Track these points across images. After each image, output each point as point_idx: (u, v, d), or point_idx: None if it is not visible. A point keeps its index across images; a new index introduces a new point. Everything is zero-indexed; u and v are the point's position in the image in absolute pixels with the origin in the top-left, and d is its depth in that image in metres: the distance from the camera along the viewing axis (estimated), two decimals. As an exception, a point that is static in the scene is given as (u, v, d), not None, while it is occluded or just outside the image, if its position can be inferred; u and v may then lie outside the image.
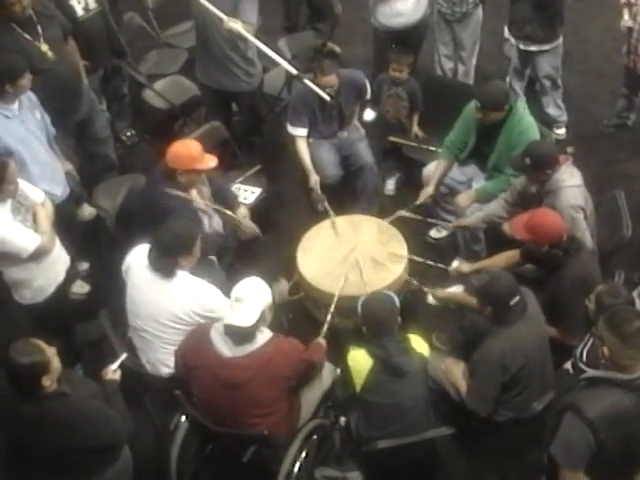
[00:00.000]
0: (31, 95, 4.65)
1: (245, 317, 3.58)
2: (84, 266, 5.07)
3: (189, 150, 4.51)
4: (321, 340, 4.17)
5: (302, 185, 5.56)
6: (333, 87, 5.22)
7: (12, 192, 4.11)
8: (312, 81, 5.23)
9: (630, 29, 5.70)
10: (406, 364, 3.77)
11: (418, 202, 5.14)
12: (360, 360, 3.81)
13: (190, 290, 3.98)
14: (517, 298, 3.83)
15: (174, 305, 3.96)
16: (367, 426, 3.89)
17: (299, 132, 5.42)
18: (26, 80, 4.50)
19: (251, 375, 3.62)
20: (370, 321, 3.85)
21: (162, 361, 4.09)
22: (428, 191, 5.15)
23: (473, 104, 4.86)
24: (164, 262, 3.96)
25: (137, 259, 4.09)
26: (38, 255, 4.20)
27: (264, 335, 3.68)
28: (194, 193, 4.64)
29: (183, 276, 4.00)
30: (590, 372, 3.34)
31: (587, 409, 3.09)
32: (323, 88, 5.19)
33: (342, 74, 5.27)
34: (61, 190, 4.79)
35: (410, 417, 3.81)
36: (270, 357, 3.64)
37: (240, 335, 3.61)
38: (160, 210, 4.36)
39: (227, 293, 3.92)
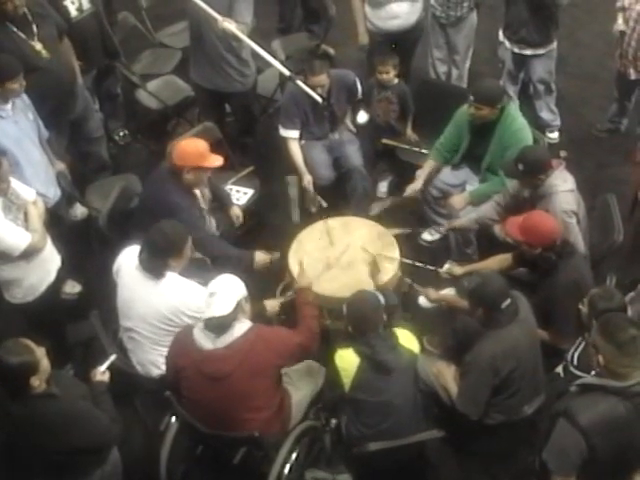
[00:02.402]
0: (24, 96, 4.63)
1: (221, 307, 3.58)
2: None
3: (197, 147, 4.52)
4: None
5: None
6: (324, 87, 5.21)
7: (4, 190, 4.10)
8: (303, 82, 5.22)
9: (623, 33, 5.72)
10: (392, 361, 3.75)
11: (405, 194, 5.18)
12: (348, 359, 3.80)
13: (178, 291, 3.97)
14: (508, 301, 3.83)
15: (163, 306, 3.95)
16: (357, 425, 3.88)
17: (291, 134, 5.41)
18: (18, 85, 4.47)
19: (235, 365, 3.60)
20: (355, 319, 3.84)
21: (153, 362, 4.08)
22: (415, 186, 5.16)
23: (464, 107, 4.87)
24: (154, 263, 3.95)
25: (128, 260, 4.07)
26: (29, 253, 4.18)
27: (243, 325, 3.67)
28: (198, 193, 4.64)
29: (172, 277, 3.99)
30: (584, 379, 3.33)
31: (580, 416, 3.08)
32: (314, 88, 5.19)
33: (332, 74, 5.26)
34: (53, 192, 4.79)
35: (399, 415, 3.80)
36: (252, 345, 3.63)
37: (219, 326, 3.61)
38: (166, 208, 4.34)
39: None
